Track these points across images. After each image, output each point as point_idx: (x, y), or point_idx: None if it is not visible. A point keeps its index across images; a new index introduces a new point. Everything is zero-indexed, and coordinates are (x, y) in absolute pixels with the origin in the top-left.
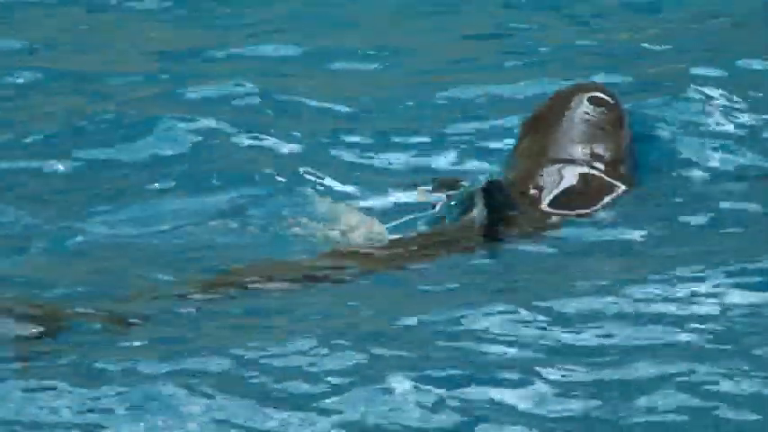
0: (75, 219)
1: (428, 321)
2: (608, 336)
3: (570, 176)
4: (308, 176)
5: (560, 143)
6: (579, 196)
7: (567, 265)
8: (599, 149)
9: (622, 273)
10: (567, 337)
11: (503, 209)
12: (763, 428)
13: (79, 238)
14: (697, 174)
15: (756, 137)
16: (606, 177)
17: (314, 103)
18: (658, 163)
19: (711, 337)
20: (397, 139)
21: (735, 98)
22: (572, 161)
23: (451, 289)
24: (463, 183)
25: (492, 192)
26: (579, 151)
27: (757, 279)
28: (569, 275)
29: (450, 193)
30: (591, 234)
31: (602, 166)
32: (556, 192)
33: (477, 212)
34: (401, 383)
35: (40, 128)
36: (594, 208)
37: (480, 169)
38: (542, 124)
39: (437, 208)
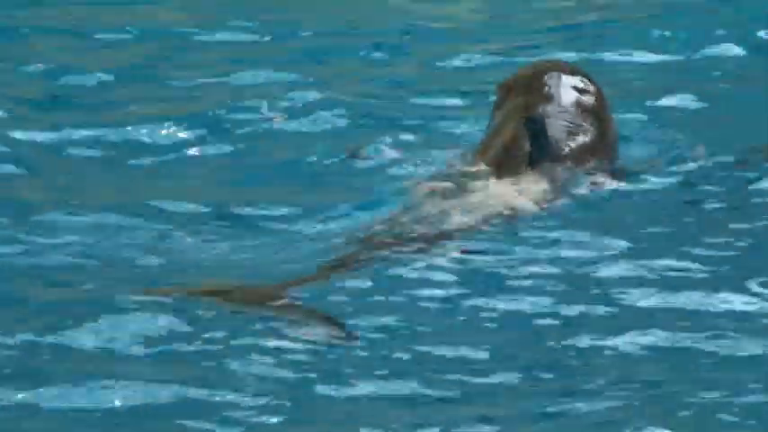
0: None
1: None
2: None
3: (562, 140)
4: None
5: (547, 104)
6: (570, 160)
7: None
8: (586, 114)
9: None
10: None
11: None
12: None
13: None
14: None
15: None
16: (594, 145)
17: None
18: None
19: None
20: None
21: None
22: (562, 125)
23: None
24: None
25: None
26: (568, 117)
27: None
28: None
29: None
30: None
31: (589, 134)
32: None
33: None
34: None
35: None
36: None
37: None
38: (526, 87)
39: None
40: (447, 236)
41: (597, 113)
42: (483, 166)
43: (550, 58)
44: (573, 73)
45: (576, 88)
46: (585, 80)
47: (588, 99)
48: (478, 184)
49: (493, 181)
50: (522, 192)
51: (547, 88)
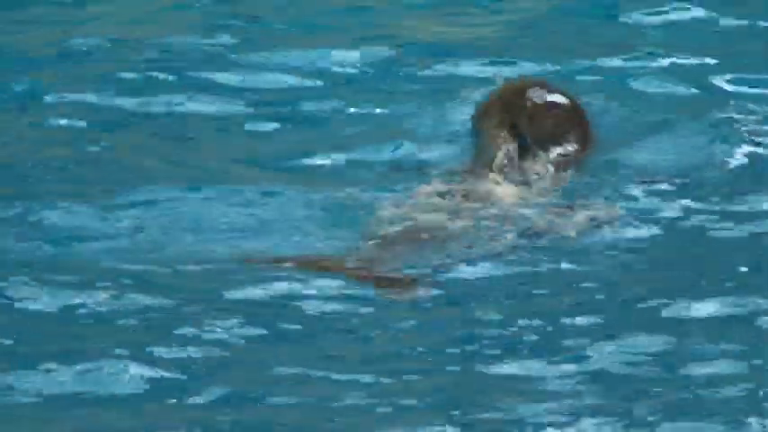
0: None
1: None
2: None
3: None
4: None
5: (530, 121)
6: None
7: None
8: (568, 127)
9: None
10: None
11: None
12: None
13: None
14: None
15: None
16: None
17: None
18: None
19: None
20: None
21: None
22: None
23: None
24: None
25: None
26: (557, 134)
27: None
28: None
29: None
30: None
31: (573, 146)
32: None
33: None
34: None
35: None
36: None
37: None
38: (506, 108)
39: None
40: (445, 254)
41: (577, 126)
42: (473, 185)
43: (519, 78)
44: (548, 89)
45: (554, 104)
46: (561, 94)
47: (568, 112)
48: (474, 204)
49: (491, 197)
50: (522, 210)
51: (527, 106)
